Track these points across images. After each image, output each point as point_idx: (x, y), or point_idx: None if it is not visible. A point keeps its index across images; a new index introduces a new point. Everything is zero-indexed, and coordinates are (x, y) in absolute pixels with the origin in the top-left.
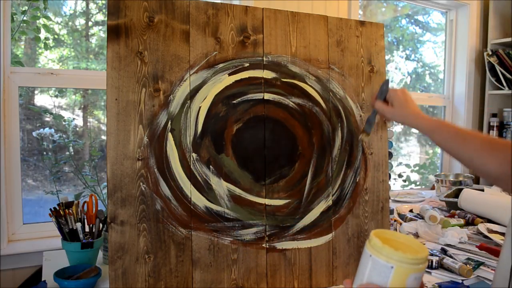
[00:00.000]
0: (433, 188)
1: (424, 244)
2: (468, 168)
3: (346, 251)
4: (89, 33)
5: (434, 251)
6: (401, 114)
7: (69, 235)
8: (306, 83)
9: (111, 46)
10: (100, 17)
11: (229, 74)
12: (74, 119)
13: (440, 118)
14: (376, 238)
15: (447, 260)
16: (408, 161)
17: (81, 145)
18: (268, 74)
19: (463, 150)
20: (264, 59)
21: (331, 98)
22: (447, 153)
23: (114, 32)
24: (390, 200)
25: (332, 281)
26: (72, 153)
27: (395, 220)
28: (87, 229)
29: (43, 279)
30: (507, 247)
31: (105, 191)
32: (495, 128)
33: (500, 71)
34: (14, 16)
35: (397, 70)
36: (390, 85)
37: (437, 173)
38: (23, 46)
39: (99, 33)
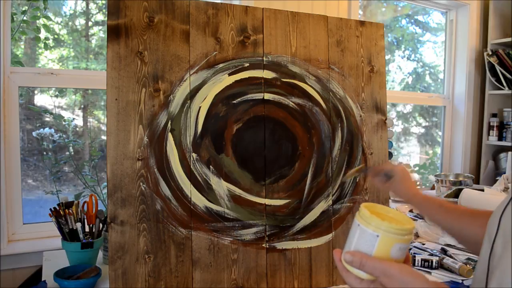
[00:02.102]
0: (433, 188)
1: (424, 244)
2: (451, 235)
3: None
4: (89, 33)
5: (434, 251)
6: (399, 190)
7: (69, 235)
8: (306, 83)
9: (111, 46)
10: (100, 17)
11: (229, 74)
12: (74, 119)
13: (428, 195)
14: (365, 209)
15: (447, 260)
16: (408, 161)
17: (81, 145)
18: (268, 74)
19: (447, 218)
20: (264, 59)
21: (331, 98)
22: (435, 224)
23: (114, 32)
24: (390, 200)
25: (332, 281)
26: (72, 153)
27: None
28: (87, 229)
29: (43, 279)
30: (486, 246)
31: (105, 191)
32: (495, 128)
33: (500, 71)
34: (14, 16)
35: (399, 70)
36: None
37: (437, 173)
38: (23, 46)
39: (99, 33)
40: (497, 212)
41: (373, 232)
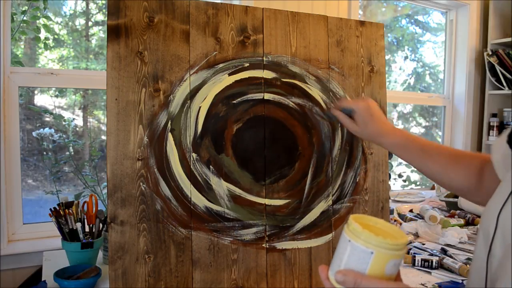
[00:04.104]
0: (433, 188)
1: (424, 244)
2: (437, 183)
3: None
4: (89, 33)
5: (434, 251)
6: (364, 132)
7: (69, 235)
8: (306, 83)
9: (111, 46)
10: (100, 17)
11: (229, 74)
12: (74, 119)
13: (405, 132)
14: (355, 223)
15: (447, 260)
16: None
17: (81, 145)
18: (268, 74)
19: (428, 166)
20: (264, 59)
21: (331, 98)
22: (416, 168)
23: (114, 32)
24: (390, 200)
25: None
26: (72, 153)
27: (395, 220)
28: (87, 229)
29: (43, 279)
30: (480, 247)
31: (105, 191)
32: (495, 128)
33: (500, 71)
34: (14, 16)
35: (401, 71)
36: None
37: None
38: (23, 46)
39: (99, 33)
40: (493, 208)
41: (366, 248)
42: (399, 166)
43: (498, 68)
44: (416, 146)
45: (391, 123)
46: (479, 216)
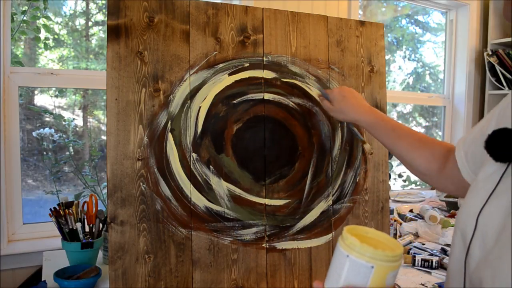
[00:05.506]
0: (433, 188)
1: (424, 244)
2: (402, 163)
3: None
4: (89, 33)
5: (434, 251)
6: (340, 110)
7: (69, 235)
8: (306, 83)
9: (111, 46)
10: (100, 17)
11: (229, 74)
12: (74, 119)
13: (381, 113)
14: (352, 237)
15: (447, 260)
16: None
17: (81, 145)
18: (268, 74)
19: (397, 146)
20: (264, 59)
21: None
22: (386, 147)
23: (114, 32)
24: (390, 200)
25: None
26: (72, 153)
27: (395, 220)
28: (87, 229)
29: (43, 279)
30: (458, 243)
31: (105, 191)
32: None
33: (500, 71)
34: (14, 16)
35: (400, 70)
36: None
37: None
38: (23, 46)
39: (99, 33)
40: (472, 209)
41: (366, 263)
42: (399, 166)
43: (498, 68)
44: (388, 126)
45: (368, 105)
46: None
